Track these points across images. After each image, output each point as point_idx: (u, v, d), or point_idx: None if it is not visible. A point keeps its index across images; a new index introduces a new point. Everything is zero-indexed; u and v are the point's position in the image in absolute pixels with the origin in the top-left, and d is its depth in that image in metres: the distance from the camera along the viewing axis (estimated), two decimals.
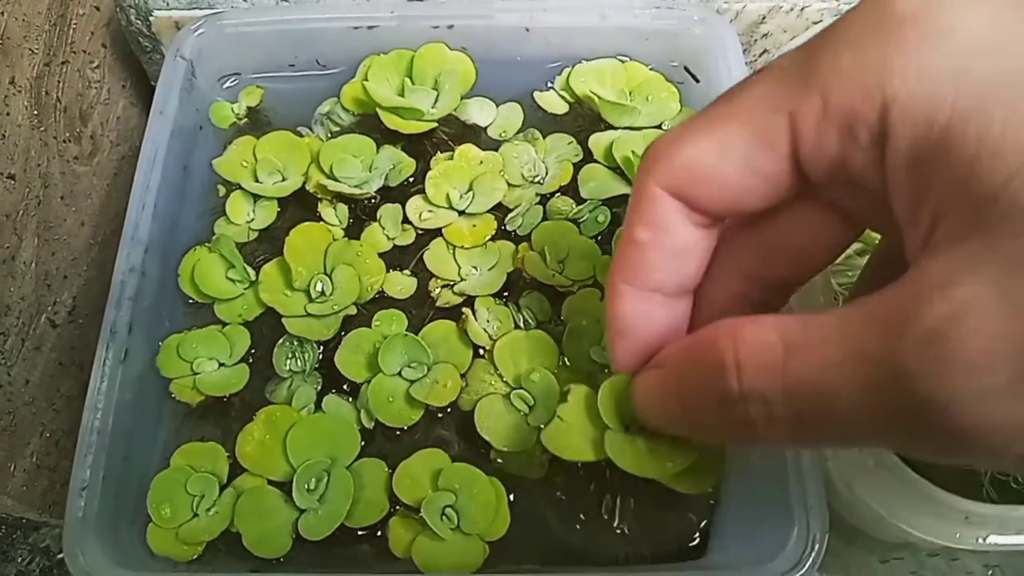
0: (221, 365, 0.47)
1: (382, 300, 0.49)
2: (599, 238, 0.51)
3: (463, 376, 0.46)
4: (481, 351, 0.47)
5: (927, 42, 0.22)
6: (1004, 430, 0.19)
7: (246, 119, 0.57)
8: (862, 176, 0.24)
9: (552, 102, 0.57)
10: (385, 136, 0.55)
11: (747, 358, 0.23)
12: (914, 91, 0.21)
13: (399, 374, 0.46)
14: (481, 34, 0.56)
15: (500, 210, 0.52)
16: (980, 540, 0.41)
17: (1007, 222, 0.19)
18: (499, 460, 0.44)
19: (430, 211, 0.52)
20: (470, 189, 0.52)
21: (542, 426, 0.41)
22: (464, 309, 0.48)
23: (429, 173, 0.52)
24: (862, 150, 0.23)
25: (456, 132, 0.56)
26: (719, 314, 0.26)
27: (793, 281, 0.30)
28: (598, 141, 0.54)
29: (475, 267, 0.50)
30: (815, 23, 0.60)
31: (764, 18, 0.60)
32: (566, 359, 0.47)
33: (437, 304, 0.49)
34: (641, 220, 0.27)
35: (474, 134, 0.56)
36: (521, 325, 0.48)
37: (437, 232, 0.51)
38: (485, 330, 0.47)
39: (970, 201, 0.20)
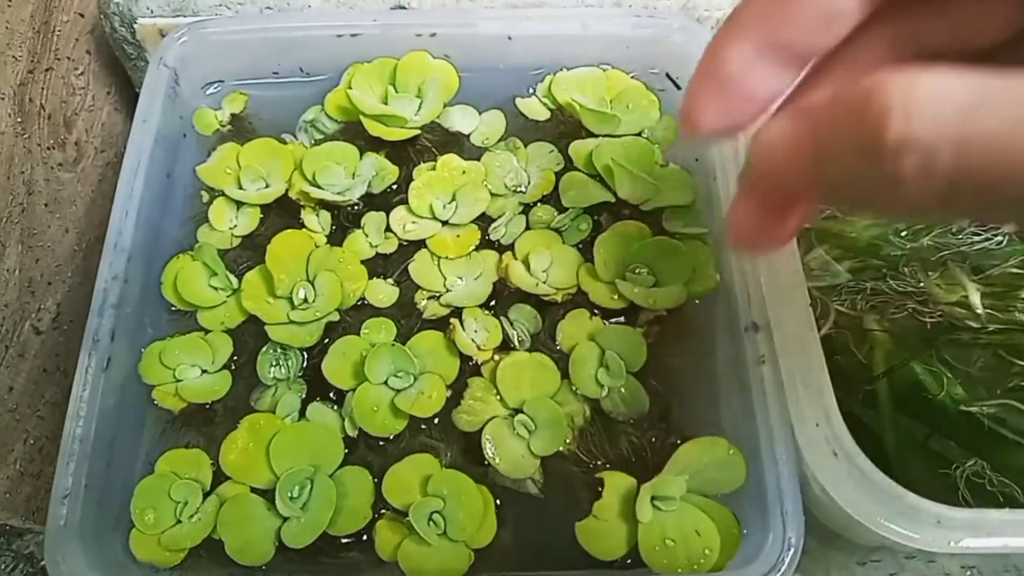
0: (204, 372, 0.48)
1: (365, 308, 0.50)
2: (581, 246, 0.51)
3: (450, 387, 0.47)
4: (472, 362, 0.48)
5: None
6: None
7: (230, 126, 0.57)
8: None
9: (534, 109, 0.57)
10: (369, 143, 0.55)
11: (922, 104, 0.21)
12: None
13: (385, 383, 0.46)
14: (464, 42, 0.57)
15: (483, 220, 0.53)
16: (953, 543, 0.41)
17: None
18: (491, 470, 0.45)
19: (414, 222, 0.52)
20: (453, 199, 0.53)
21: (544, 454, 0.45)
22: (452, 319, 0.48)
23: (412, 184, 0.52)
24: None
25: (439, 139, 0.56)
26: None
27: (948, 54, 0.27)
28: (579, 149, 0.54)
29: (460, 278, 0.51)
30: None
31: None
32: (570, 383, 0.47)
33: (424, 316, 0.49)
34: None
35: (457, 141, 0.56)
36: (515, 342, 0.48)
37: (421, 243, 0.52)
38: (473, 340, 0.48)
39: None
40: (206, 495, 0.44)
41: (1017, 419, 0.52)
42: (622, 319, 0.50)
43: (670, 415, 0.47)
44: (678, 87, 0.57)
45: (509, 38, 0.57)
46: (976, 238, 0.57)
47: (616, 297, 0.49)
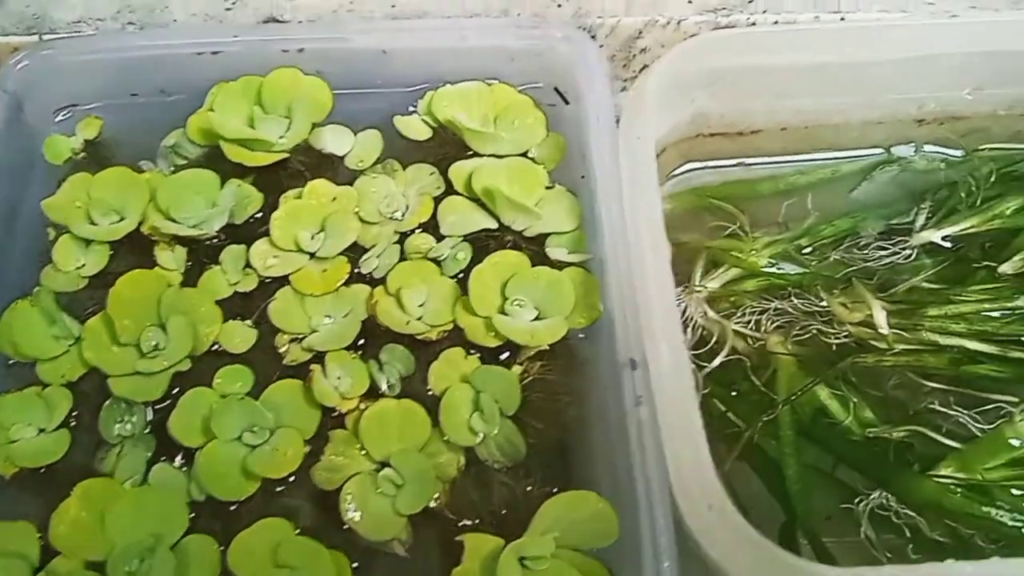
0: (40, 431, 0.44)
1: (220, 354, 0.46)
2: (460, 277, 0.48)
3: (309, 441, 0.43)
4: (335, 413, 0.44)
5: None
6: None
7: (84, 153, 0.53)
8: None
9: (415, 128, 0.54)
10: (235, 169, 0.51)
11: None
12: None
13: (237, 440, 0.43)
14: (337, 58, 0.53)
15: (355, 251, 0.49)
16: None
17: None
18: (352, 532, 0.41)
19: (276, 256, 0.48)
20: (321, 229, 0.49)
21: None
22: (312, 366, 0.44)
23: (275, 214, 0.48)
24: None
25: (312, 162, 0.52)
26: None
27: None
28: (460, 171, 0.51)
29: (327, 317, 0.47)
30: (692, 35, 0.57)
31: (641, 33, 0.57)
32: (442, 431, 0.44)
33: (284, 362, 0.45)
34: None
35: (331, 164, 0.53)
36: (384, 388, 0.45)
37: (284, 279, 0.48)
38: (336, 388, 0.44)
39: None
40: (36, 572, 0.40)
41: (925, 445, 0.50)
42: (504, 355, 0.46)
43: (549, 462, 0.44)
44: (566, 101, 0.53)
45: (384, 52, 0.53)
46: (882, 252, 0.55)
47: (493, 334, 0.45)
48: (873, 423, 0.51)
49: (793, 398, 0.50)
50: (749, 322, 0.55)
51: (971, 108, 0.55)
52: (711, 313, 0.53)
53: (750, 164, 0.58)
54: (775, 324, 0.55)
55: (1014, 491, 0.48)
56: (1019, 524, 0.46)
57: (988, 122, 0.57)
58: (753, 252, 0.54)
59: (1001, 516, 0.46)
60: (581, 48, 0.51)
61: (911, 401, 0.52)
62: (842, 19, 0.57)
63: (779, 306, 0.55)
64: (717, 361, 0.52)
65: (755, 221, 0.57)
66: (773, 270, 0.54)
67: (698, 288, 0.54)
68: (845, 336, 0.53)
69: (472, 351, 0.46)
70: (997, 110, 0.56)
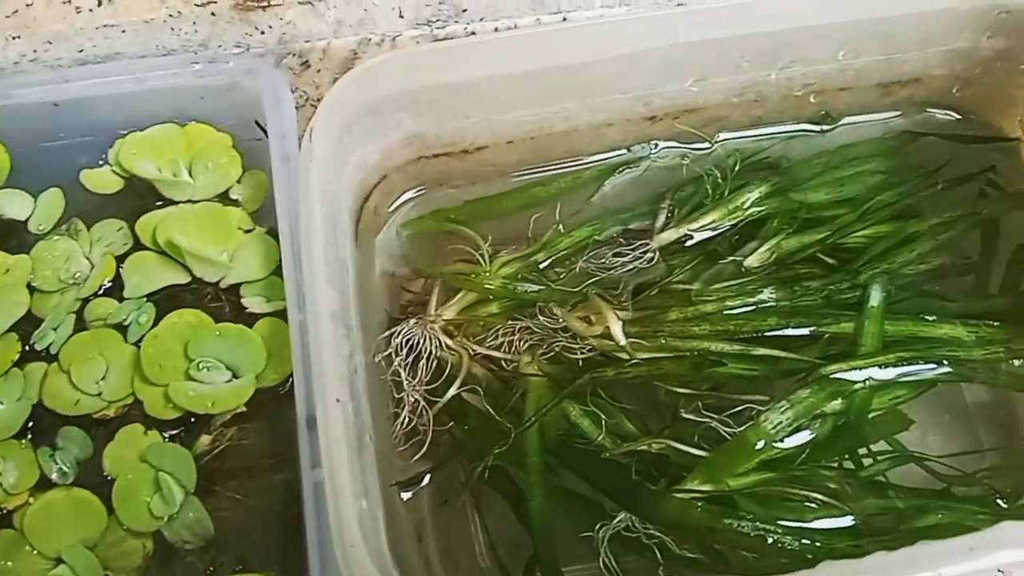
0: None
1: None
2: (141, 342, 0.44)
3: None
4: (3, 511, 0.40)
5: None
6: None
7: None
8: None
9: (104, 180, 0.49)
10: None
11: None
12: None
13: None
14: (6, 116, 0.48)
15: (31, 324, 0.45)
16: None
17: None
18: None
19: None
20: None
21: None
22: None
23: None
24: None
25: None
26: None
27: None
28: (147, 224, 0.47)
29: None
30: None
31: (356, 53, 0.54)
32: (119, 519, 0.40)
33: None
34: None
35: (13, 231, 0.48)
36: (54, 476, 0.41)
37: None
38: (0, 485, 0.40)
39: None
40: None
41: (682, 456, 0.47)
42: (194, 423, 0.43)
43: (240, 537, 0.40)
44: (267, 134, 0.49)
45: (56, 104, 0.48)
46: (622, 259, 0.53)
47: (172, 405, 0.42)
48: (631, 438, 0.49)
49: (528, 423, 0.48)
50: (502, 344, 0.52)
51: (701, 99, 0.53)
52: (449, 342, 0.50)
53: (489, 181, 0.55)
54: (527, 344, 0.52)
55: (761, 497, 0.46)
56: (761, 533, 0.44)
57: (725, 110, 0.55)
58: (487, 274, 0.51)
59: (743, 527, 0.44)
60: (268, 79, 0.47)
61: (664, 411, 0.50)
62: (564, 19, 0.55)
63: (527, 325, 0.52)
64: (451, 392, 0.48)
65: (504, 238, 0.54)
66: (512, 289, 0.52)
67: (432, 318, 0.50)
68: (590, 351, 0.51)
69: (154, 426, 0.42)
70: (729, 98, 0.54)
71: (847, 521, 0.46)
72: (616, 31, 0.49)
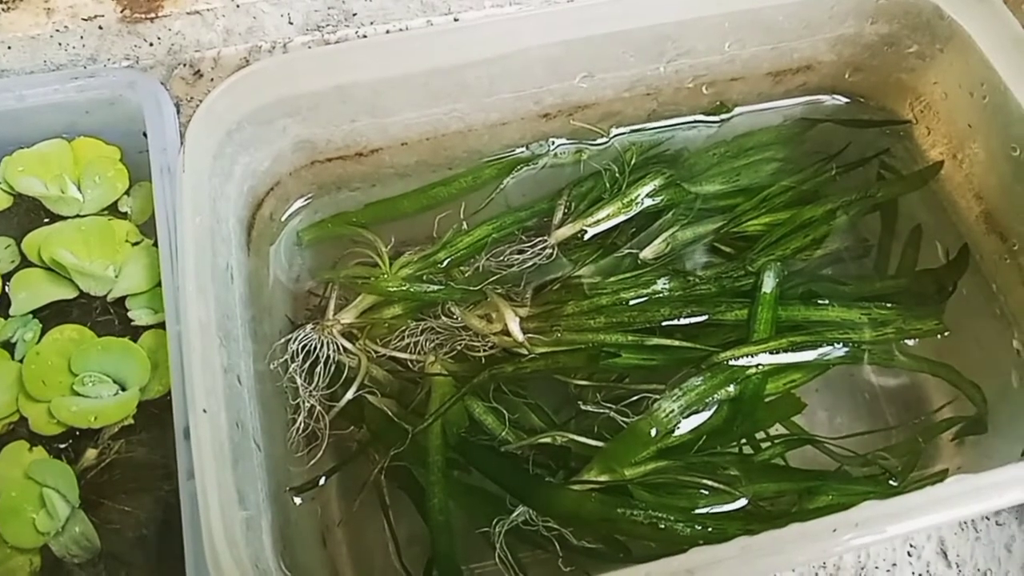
0: None
1: None
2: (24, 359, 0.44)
3: None
4: None
5: None
6: None
7: None
8: None
9: None
10: None
11: None
12: None
13: None
14: None
15: None
16: None
17: None
18: None
19: None
20: None
21: None
22: None
23: None
24: None
25: None
26: None
27: None
28: (33, 240, 0.47)
29: None
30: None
31: (247, 61, 0.54)
32: (4, 536, 0.40)
33: None
34: None
35: None
36: None
37: None
38: None
39: None
40: None
41: (583, 448, 0.48)
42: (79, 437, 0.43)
43: (128, 550, 0.40)
44: None
45: None
46: (522, 256, 0.53)
47: (54, 421, 0.42)
48: (535, 432, 0.49)
49: (427, 422, 0.48)
50: (408, 345, 0.52)
51: (592, 95, 0.54)
52: (348, 345, 0.50)
53: (389, 183, 0.55)
54: (433, 344, 0.52)
55: (655, 485, 0.47)
56: (654, 520, 0.45)
57: (618, 105, 0.55)
58: (385, 276, 0.51)
59: (636, 515, 0.45)
60: (148, 91, 0.47)
61: (564, 404, 0.51)
62: (456, 20, 0.55)
63: (431, 325, 0.52)
64: (349, 396, 0.49)
65: (410, 239, 0.55)
66: (410, 290, 0.52)
67: (329, 323, 0.51)
68: (492, 348, 0.51)
69: (40, 442, 0.42)
70: (620, 93, 0.54)
71: (740, 505, 0.46)
72: (499, 31, 0.49)
